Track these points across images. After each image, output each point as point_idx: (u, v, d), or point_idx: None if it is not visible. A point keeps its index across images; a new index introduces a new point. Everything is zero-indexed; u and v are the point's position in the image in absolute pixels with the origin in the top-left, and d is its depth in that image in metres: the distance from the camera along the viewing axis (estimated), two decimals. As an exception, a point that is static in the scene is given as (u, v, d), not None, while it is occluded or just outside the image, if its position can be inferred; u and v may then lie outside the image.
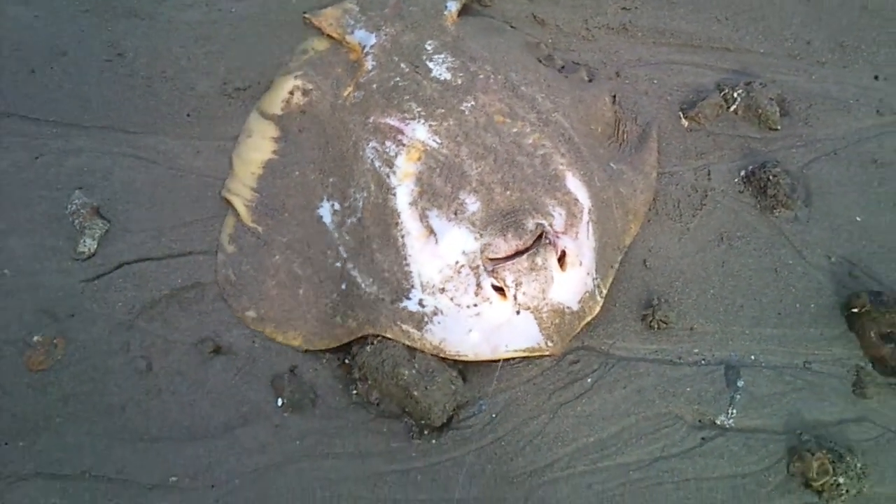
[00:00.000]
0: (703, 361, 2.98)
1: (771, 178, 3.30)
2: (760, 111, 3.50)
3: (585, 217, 2.82)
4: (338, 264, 2.91)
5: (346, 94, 3.21)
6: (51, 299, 2.92)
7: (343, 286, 2.87)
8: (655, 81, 3.61)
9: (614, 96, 3.47)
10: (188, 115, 3.33)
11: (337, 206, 2.99)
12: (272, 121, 3.22)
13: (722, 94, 3.55)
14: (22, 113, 3.29)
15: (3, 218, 3.05)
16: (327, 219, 2.99)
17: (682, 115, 3.52)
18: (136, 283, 2.97)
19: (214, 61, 3.48)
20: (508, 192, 2.78)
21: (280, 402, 2.80)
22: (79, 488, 2.64)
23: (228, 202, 3.08)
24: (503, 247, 2.67)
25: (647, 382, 2.91)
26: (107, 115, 3.31)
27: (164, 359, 2.86)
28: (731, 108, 3.53)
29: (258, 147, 3.18)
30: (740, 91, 3.53)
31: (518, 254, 2.66)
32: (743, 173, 3.39)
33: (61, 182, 3.14)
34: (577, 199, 2.82)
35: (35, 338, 2.84)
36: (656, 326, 3.00)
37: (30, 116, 3.28)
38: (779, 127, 3.51)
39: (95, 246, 3.00)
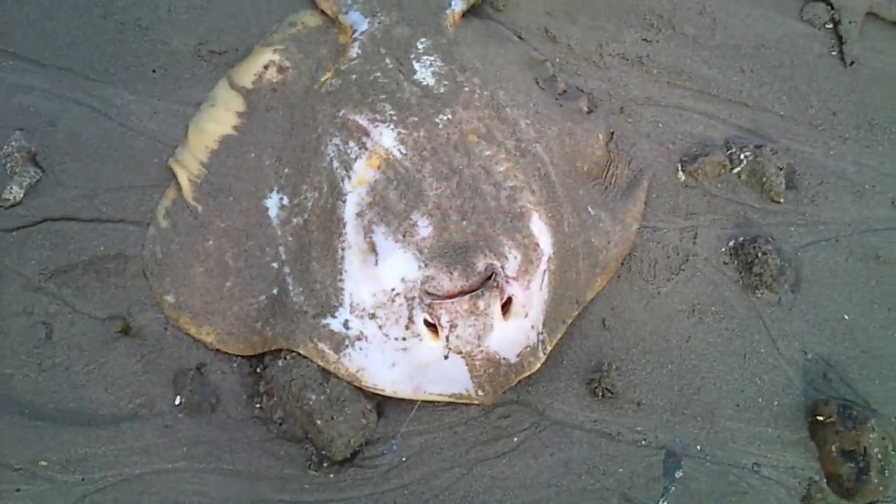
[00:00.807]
0: (643, 441, 2.74)
1: (760, 255, 3.04)
2: (765, 180, 3.22)
3: (543, 265, 2.57)
4: (274, 265, 2.69)
5: (323, 79, 2.97)
6: (-38, 243, 2.72)
7: (275, 291, 2.65)
8: (660, 125, 3.33)
9: (612, 133, 3.22)
10: (154, 71, 3.08)
11: (286, 202, 2.76)
12: (240, 93, 2.98)
13: (728, 152, 3.28)
14: (-19, 38, 3.07)
15: (-67, 147, 2.85)
16: (273, 212, 2.77)
17: (680, 168, 3.25)
18: (56, 242, 2.75)
19: (196, 17, 3.22)
20: (465, 223, 2.53)
21: (178, 400, 2.59)
22: (-60, 456, 2.45)
23: (173, 173, 2.84)
24: (446, 284, 2.42)
25: (578, 454, 2.69)
26: (68, 56, 3.06)
27: (66, 329, 2.66)
28: (735, 170, 3.26)
29: (219, 119, 2.94)
30: (748, 154, 3.25)
31: (461, 293, 2.42)
32: (732, 243, 3.13)
33: (4, 120, 2.91)
34: (537, 244, 2.57)
35: (-64, 282, 2.65)
36: (601, 394, 2.76)
37: (-13, 43, 3.06)
38: (782, 200, 3.24)
39: (22, 195, 2.78)
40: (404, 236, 2.50)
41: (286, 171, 2.82)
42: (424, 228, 2.52)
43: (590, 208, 2.93)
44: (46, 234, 2.77)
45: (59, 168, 2.86)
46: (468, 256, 2.45)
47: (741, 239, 3.13)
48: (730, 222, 3.18)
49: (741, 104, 3.47)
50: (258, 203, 2.79)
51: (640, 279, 3.00)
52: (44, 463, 2.47)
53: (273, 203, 2.78)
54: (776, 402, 2.88)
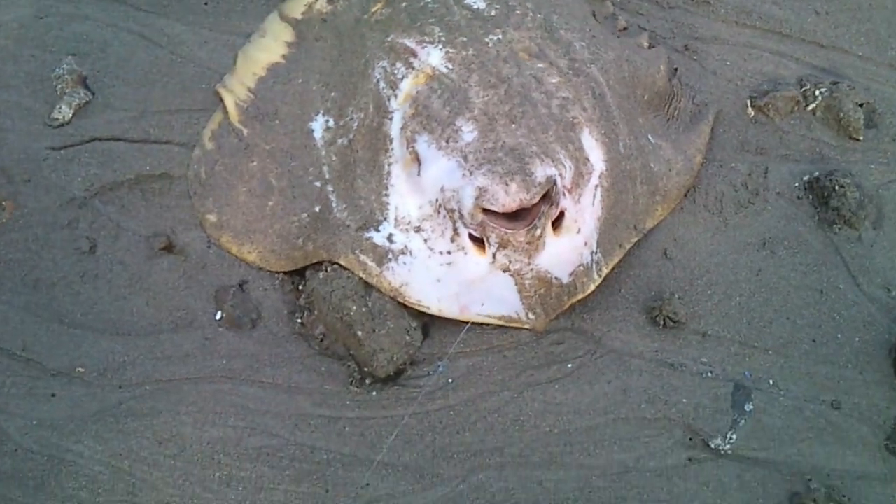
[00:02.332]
0: (709, 373, 2.54)
1: (837, 188, 2.82)
2: (843, 116, 3.01)
3: (594, 180, 2.41)
4: (317, 184, 2.61)
5: (373, 9, 2.90)
6: (12, 160, 2.71)
7: (317, 208, 2.56)
8: (728, 63, 3.16)
9: (675, 69, 3.06)
10: (206, 4, 3.08)
11: (331, 123, 2.68)
12: (290, 24, 2.95)
13: (802, 89, 3.09)
14: (40, -29, 3.11)
15: (-11, 71, 2.88)
16: (318, 134, 2.69)
17: (749, 103, 3.06)
18: (103, 160, 2.73)
19: (249, -46, 3.22)
20: (514, 126, 2.36)
21: (219, 315, 2.51)
22: (-21, 357, 2.42)
23: (221, 98, 2.80)
24: (502, 198, 2.18)
25: (637, 382, 2.50)
26: (123, -12, 3.09)
27: (110, 244, 2.62)
28: (810, 107, 3.06)
29: (268, 48, 2.90)
30: (824, 90, 3.06)
31: (520, 212, 2.22)
32: (806, 178, 2.92)
33: (57, 45, 2.93)
34: (587, 158, 2.41)
35: (-16, 198, 2.65)
36: (662, 323, 2.58)
37: (46, -24, 3.10)
38: (861, 137, 3.02)
39: (70, 115, 2.78)
40: (447, 142, 2.36)
41: (332, 94, 2.74)
42: (469, 133, 2.35)
43: (650, 136, 2.77)
44: (93, 153, 2.75)
45: (108, 91, 2.86)
46: (525, 164, 2.24)
47: (816, 174, 2.92)
48: (804, 158, 2.98)
49: (815, 44, 3.27)
50: (303, 125, 2.72)
51: (706, 211, 2.82)
52: (81, 369, 2.42)
53: (318, 125, 2.71)
54: (857, 339, 2.65)
